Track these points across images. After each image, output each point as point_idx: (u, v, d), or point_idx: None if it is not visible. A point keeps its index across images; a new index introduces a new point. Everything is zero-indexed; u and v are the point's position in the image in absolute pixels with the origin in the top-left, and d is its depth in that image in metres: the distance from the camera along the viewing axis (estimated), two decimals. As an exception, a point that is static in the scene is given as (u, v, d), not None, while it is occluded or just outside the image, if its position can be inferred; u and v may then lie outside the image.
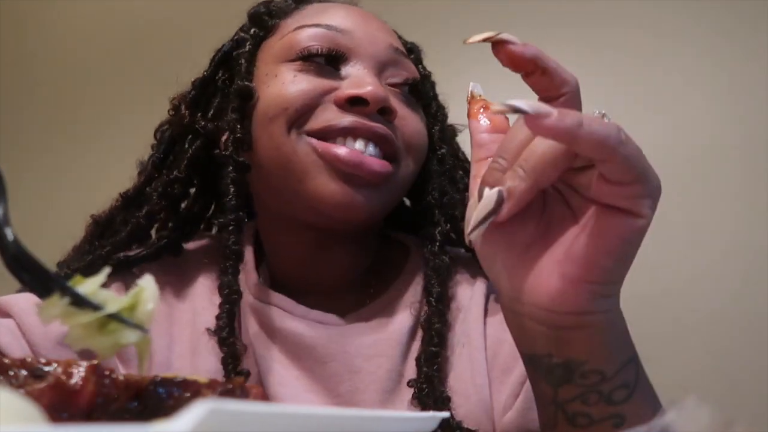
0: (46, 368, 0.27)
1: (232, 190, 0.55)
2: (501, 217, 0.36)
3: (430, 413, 0.43)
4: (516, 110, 0.32)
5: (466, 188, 0.63)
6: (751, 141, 1.22)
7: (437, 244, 0.59)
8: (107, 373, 0.27)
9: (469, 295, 0.61)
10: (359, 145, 0.53)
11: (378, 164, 0.53)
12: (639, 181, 0.33)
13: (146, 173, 0.61)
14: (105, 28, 1.70)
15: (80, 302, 0.29)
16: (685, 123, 1.27)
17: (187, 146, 0.60)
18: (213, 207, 0.67)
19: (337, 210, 0.53)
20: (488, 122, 0.42)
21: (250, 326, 0.57)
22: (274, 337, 0.57)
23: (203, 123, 0.59)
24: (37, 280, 0.29)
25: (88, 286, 0.29)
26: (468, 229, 0.37)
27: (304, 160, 0.53)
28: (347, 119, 0.53)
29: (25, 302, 0.53)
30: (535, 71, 0.39)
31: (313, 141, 0.53)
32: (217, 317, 0.53)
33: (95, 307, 0.29)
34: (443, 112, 0.66)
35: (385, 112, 0.54)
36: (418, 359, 0.56)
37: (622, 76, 1.32)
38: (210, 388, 0.29)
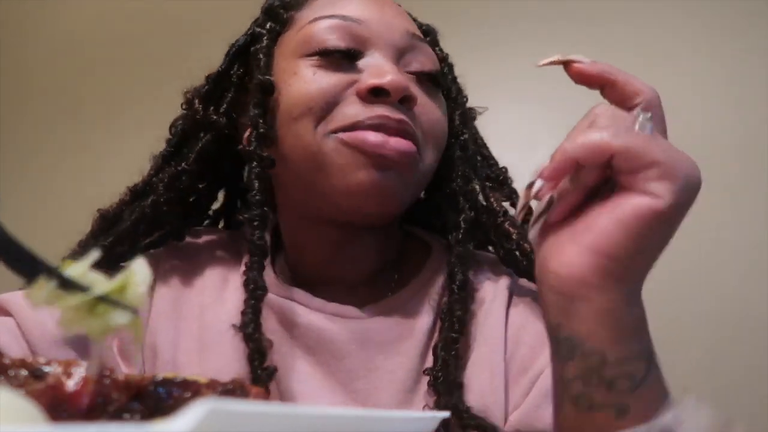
0: (46, 368, 0.27)
1: (257, 185, 0.54)
2: (552, 219, 0.40)
3: (430, 413, 0.43)
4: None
5: (488, 177, 0.64)
6: (751, 141, 1.22)
7: (461, 231, 0.58)
8: (107, 373, 0.27)
9: (491, 295, 0.60)
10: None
11: (404, 144, 0.52)
12: (649, 167, 0.36)
13: (156, 166, 0.60)
14: (105, 27, 1.70)
15: (68, 285, 0.28)
16: (685, 123, 1.27)
17: (198, 140, 0.60)
18: (224, 199, 0.67)
19: (368, 199, 0.53)
20: None
21: (268, 322, 0.56)
22: (291, 332, 0.56)
23: (215, 117, 0.59)
24: (24, 264, 0.28)
25: (77, 269, 0.29)
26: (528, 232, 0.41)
27: (334, 156, 0.52)
28: (373, 114, 0.52)
29: (24, 300, 0.53)
30: (605, 85, 0.42)
31: (341, 135, 0.53)
32: (243, 312, 0.52)
33: (83, 290, 0.28)
34: (463, 96, 0.65)
35: (405, 101, 0.54)
36: (435, 347, 0.55)
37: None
38: (210, 388, 0.29)
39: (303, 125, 0.53)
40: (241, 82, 0.60)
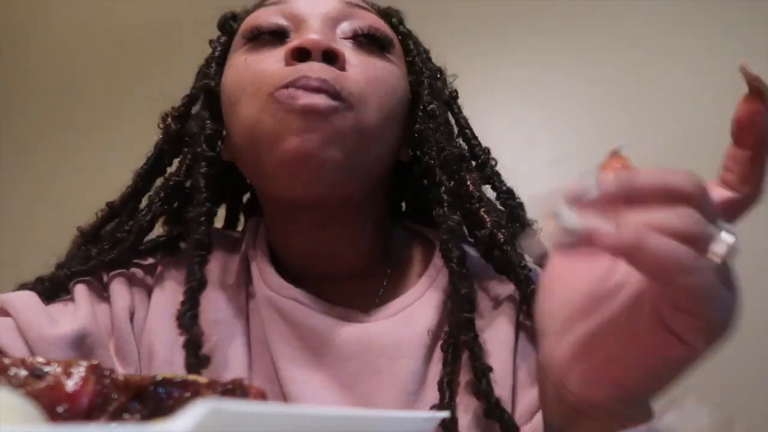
0: (46, 368, 0.27)
1: (202, 183, 0.55)
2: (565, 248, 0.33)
3: (430, 413, 0.43)
4: (570, 232, 0.29)
5: (464, 154, 0.62)
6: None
7: (444, 204, 0.56)
8: (107, 373, 0.27)
9: (500, 294, 0.59)
10: None
11: (318, 96, 0.50)
12: (697, 316, 0.31)
13: (135, 184, 0.62)
14: (105, 27, 1.70)
15: None
16: (686, 123, 1.27)
17: (177, 154, 0.62)
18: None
19: (299, 161, 0.50)
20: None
21: (266, 320, 0.56)
22: (291, 331, 0.56)
23: (185, 131, 0.61)
24: None
25: None
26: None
27: (264, 119, 0.51)
28: (295, 74, 0.50)
29: (22, 300, 0.53)
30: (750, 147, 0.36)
31: (273, 95, 0.51)
32: (182, 303, 0.52)
33: None
34: (431, 68, 0.63)
35: (330, 59, 0.51)
36: (450, 324, 0.55)
37: (623, 76, 1.32)
38: (210, 388, 0.29)
39: (238, 106, 0.53)
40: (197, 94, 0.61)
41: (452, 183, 0.58)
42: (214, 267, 0.59)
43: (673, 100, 1.29)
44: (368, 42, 0.56)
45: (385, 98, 0.55)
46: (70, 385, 0.26)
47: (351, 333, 0.55)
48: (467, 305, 0.53)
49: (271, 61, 0.53)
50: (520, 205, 0.63)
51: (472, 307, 0.54)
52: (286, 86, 0.50)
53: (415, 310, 0.58)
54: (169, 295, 0.58)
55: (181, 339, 0.53)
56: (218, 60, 0.60)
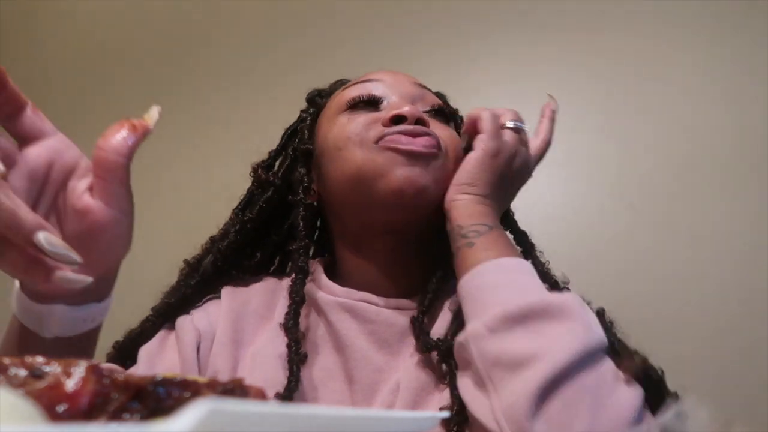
0: (46, 368, 0.27)
1: (302, 224, 0.71)
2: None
3: (430, 413, 0.43)
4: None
5: None
6: (751, 141, 1.22)
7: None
8: (107, 373, 0.27)
9: None
10: None
11: (427, 139, 0.67)
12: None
13: (230, 220, 0.76)
14: (107, 28, 1.70)
15: None
16: (686, 123, 1.27)
17: (261, 197, 0.76)
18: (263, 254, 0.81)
19: (405, 191, 0.65)
20: None
21: (343, 321, 0.67)
22: (363, 326, 0.67)
23: (273, 179, 0.76)
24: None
25: None
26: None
27: (376, 159, 0.66)
28: (397, 129, 0.67)
29: (182, 323, 0.68)
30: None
31: (379, 144, 0.67)
32: (286, 314, 0.66)
33: None
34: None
35: (420, 124, 0.68)
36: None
37: (619, 78, 1.32)
38: (210, 388, 0.29)
39: (345, 151, 0.68)
40: (293, 153, 0.77)
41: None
42: (261, 304, 0.72)
43: (675, 98, 1.29)
44: (437, 114, 0.73)
45: (457, 152, 0.70)
46: (70, 385, 0.26)
47: (406, 320, 0.67)
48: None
49: (371, 120, 0.69)
50: (533, 246, 0.74)
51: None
52: (393, 134, 0.66)
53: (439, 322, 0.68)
54: (231, 326, 0.68)
55: (240, 362, 0.65)
56: (309, 127, 0.76)
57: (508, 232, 0.71)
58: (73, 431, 0.21)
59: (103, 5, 1.72)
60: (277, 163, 0.79)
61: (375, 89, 0.72)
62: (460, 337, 0.56)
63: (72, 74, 1.69)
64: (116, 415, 0.27)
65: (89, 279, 0.44)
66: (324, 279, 0.71)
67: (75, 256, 0.41)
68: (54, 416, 0.25)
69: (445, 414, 0.48)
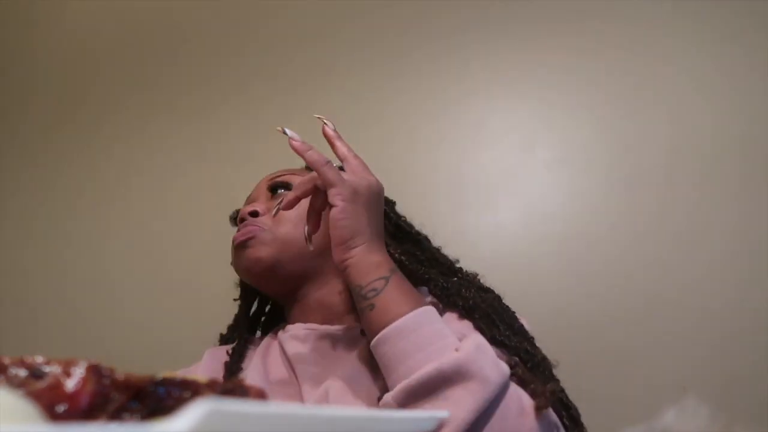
0: (46, 368, 0.27)
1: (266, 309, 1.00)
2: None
3: (429, 413, 0.43)
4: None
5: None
6: (751, 141, 1.22)
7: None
8: (107, 373, 0.27)
9: None
10: None
11: (245, 231, 0.83)
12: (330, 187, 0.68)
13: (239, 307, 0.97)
14: (107, 29, 1.70)
15: None
16: (685, 123, 1.27)
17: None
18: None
19: (249, 267, 0.82)
20: None
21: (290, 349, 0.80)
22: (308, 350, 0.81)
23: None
24: None
25: None
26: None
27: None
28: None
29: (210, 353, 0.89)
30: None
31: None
32: (232, 350, 0.87)
33: None
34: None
35: (252, 215, 0.85)
36: None
37: (622, 76, 1.32)
38: (210, 388, 0.29)
39: None
40: None
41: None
42: (261, 349, 0.88)
43: (674, 100, 1.29)
44: (280, 186, 0.90)
45: (292, 222, 0.88)
46: (70, 384, 0.26)
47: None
48: None
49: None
50: (437, 249, 0.89)
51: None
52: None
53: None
54: (257, 365, 0.81)
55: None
56: None
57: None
58: (73, 431, 0.21)
59: (104, 5, 1.72)
60: None
61: (247, 202, 0.92)
62: (382, 401, 0.61)
63: (72, 74, 1.69)
64: (116, 415, 0.27)
65: None
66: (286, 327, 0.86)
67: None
68: (54, 416, 0.25)
69: (445, 414, 0.48)
